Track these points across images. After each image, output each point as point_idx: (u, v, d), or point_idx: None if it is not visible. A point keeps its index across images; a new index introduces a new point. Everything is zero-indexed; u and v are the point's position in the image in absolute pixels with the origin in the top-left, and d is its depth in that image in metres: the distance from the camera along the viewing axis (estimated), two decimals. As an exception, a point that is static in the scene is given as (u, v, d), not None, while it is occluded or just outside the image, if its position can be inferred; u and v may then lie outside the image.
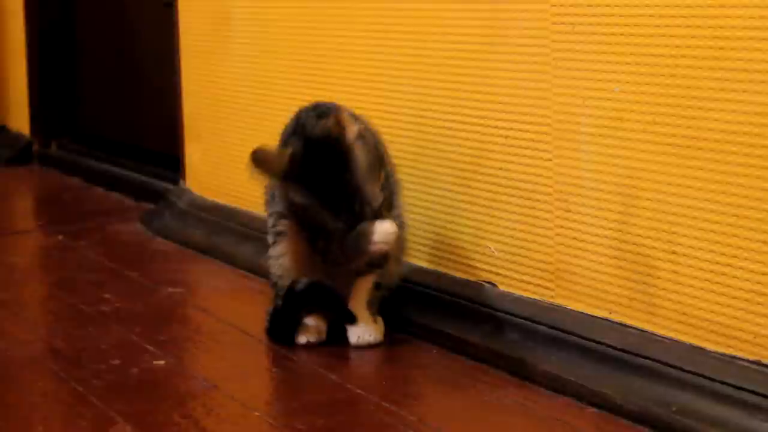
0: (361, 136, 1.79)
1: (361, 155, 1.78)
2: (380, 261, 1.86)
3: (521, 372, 1.73)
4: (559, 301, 1.76)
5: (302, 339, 1.91)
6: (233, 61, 2.57)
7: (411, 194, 1.99)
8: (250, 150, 1.77)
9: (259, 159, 1.78)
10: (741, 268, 1.48)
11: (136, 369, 1.83)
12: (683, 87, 1.53)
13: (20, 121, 3.97)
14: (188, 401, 1.70)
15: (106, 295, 2.24)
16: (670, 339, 1.58)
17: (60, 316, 2.17)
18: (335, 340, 1.91)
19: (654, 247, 1.59)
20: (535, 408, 1.63)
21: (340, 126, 1.77)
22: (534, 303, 1.79)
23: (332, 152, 1.76)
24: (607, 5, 1.62)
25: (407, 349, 1.89)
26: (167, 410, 1.65)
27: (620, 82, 1.62)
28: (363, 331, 1.89)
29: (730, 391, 1.47)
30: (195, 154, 2.77)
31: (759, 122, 1.44)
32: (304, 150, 1.77)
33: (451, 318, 1.89)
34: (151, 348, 1.92)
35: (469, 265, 1.92)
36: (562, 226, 1.74)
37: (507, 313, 1.82)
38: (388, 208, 1.83)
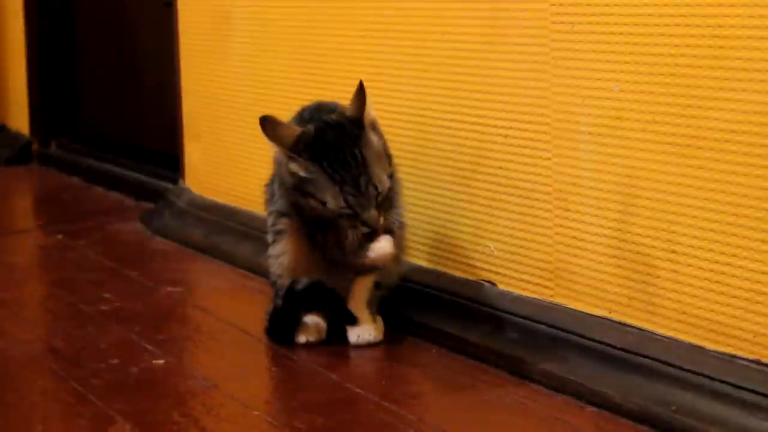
0: (374, 125, 1.80)
1: (374, 139, 1.78)
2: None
3: (521, 371, 1.73)
4: (558, 300, 1.76)
5: (302, 338, 1.91)
6: (233, 61, 2.57)
7: (411, 194, 1.99)
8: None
9: (269, 124, 1.79)
10: (740, 267, 1.48)
11: (135, 368, 1.83)
12: (683, 86, 1.53)
13: (20, 121, 3.97)
14: (188, 400, 1.70)
15: (106, 295, 2.24)
16: (670, 338, 1.58)
17: (59, 315, 2.17)
18: (335, 339, 1.91)
19: (653, 246, 1.59)
20: (534, 407, 1.63)
21: (361, 107, 1.77)
22: (533, 302, 1.79)
23: (347, 126, 1.77)
24: (607, 5, 1.62)
25: (407, 349, 1.89)
26: (167, 409, 1.65)
27: (620, 82, 1.62)
28: (363, 331, 1.90)
29: (729, 390, 1.47)
30: (194, 153, 2.78)
31: (759, 122, 1.44)
32: (316, 130, 1.78)
33: (451, 317, 1.89)
34: (150, 347, 1.92)
35: (469, 264, 1.92)
36: (561, 225, 1.74)
37: (506, 312, 1.82)
38: (389, 207, 1.83)
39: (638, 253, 1.62)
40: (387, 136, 1.91)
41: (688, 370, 1.53)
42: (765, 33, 1.42)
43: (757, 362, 1.47)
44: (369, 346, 1.89)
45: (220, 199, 2.66)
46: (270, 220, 1.94)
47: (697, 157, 1.52)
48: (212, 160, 2.69)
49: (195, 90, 2.74)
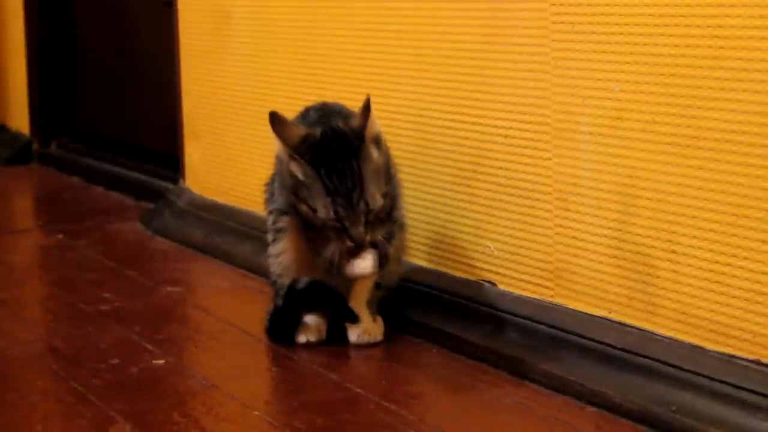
0: (378, 141, 1.80)
1: (374, 155, 1.78)
2: (381, 262, 1.85)
3: (521, 371, 1.73)
4: (558, 300, 1.76)
5: (302, 338, 1.91)
6: (233, 61, 2.57)
7: (411, 194, 1.99)
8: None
9: (278, 121, 1.79)
10: (740, 267, 1.48)
11: (135, 368, 1.83)
12: (683, 87, 1.53)
13: (20, 121, 3.96)
14: (188, 400, 1.70)
15: (106, 295, 2.24)
16: (670, 338, 1.58)
17: (59, 315, 2.17)
18: (335, 339, 1.91)
19: (653, 247, 1.59)
20: (534, 407, 1.63)
21: (366, 121, 1.77)
22: (533, 302, 1.79)
23: (349, 139, 1.77)
24: (607, 5, 1.62)
25: (407, 349, 1.89)
26: (167, 409, 1.65)
27: (620, 82, 1.62)
28: (363, 331, 1.90)
29: (729, 390, 1.47)
30: (194, 153, 2.77)
31: (759, 122, 1.44)
32: (322, 134, 1.78)
33: (451, 317, 1.89)
34: (150, 347, 1.92)
35: (469, 265, 1.92)
36: (561, 226, 1.74)
37: (507, 312, 1.82)
38: (379, 225, 1.82)
39: (638, 253, 1.62)
40: (387, 137, 1.91)
41: (687, 371, 1.53)
42: (765, 33, 1.42)
43: (757, 362, 1.47)
44: (369, 346, 1.89)
45: (220, 199, 2.66)
46: (270, 219, 1.94)
47: (697, 157, 1.52)
48: (212, 160, 2.69)
49: (195, 90, 2.74)
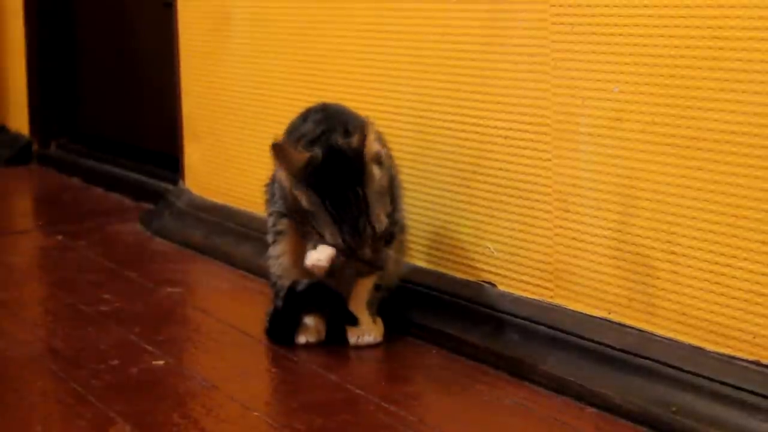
0: (380, 159, 1.79)
1: (376, 175, 1.78)
2: (380, 263, 1.85)
3: (521, 372, 1.73)
4: (558, 301, 1.76)
5: (302, 339, 1.91)
6: (233, 61, 2.57)
7: (411, 194, 1.99)
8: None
9: (280, 152, 1.79)
10: (740, 268, 1.48)
11: (135, 369, 1.83)
12: (683, 87, 1.53)
13: (20, 121, 3.97)
14: (187, 401, 1.70)
15: (106, 295, 2.24)
16: (670, 339, 1.58)
17: (59, 316, 2.17)
18: (335, 340, 1.91)
19: (653, 247, 1.59)
20: (534, 408, 1.63)
21: (364, 141, 1.77)
22: (533, 303, 1.79)
23: (351, 162, 1.77)
24: (606, 5, 1.62)
25: (407, 350, 1.89)
26: (166, 410, 1.65)
27: (619, 82, 1.62)
28: (362, 332, 1.90)
29: (729, 391, 1.47)
30: (194, 154, 2.77)
31: (759, 122, 1.44)
32: (323, 157, 1.77)
33: (451, 318, 1.89)
34: (150, 348, 1.92)
35: (469, 266, 1.92)
36: (561, 226, 1.74)
37: (506, 313, 1.82)
38: (383, 243, 1.82)
39: (638, 253, 1.62)
40: (387, 137, 1.92)
41: (687, 372, 1.53)
42: (765, 34, 1.42)
43: (757, 363, 1.47)
44: (369, 347, 1.89)
45: (220, 200, 2.66)
46: (270, 221, 1.94)
47: (697, 157, 1.52)
48: (212, 161, 2.69)
49: (195, 90, 2.74)
